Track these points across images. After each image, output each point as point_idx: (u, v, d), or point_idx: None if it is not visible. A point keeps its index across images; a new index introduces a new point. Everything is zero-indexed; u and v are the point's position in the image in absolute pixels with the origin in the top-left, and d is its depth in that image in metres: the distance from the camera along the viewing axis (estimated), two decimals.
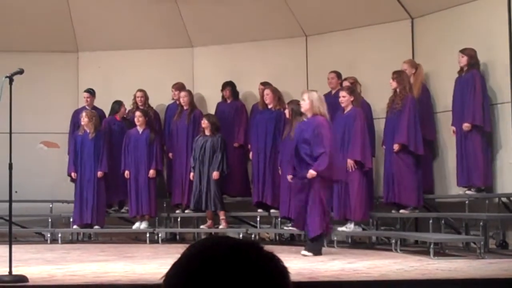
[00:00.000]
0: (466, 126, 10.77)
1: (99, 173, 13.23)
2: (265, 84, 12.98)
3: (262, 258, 1.58)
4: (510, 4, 10.83)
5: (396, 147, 11.21)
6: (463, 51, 10.92)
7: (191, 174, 12.92)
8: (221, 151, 12.70)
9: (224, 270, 1.53)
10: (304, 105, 10.08)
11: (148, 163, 13.19)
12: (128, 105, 13.86)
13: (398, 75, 11.33)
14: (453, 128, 11.11)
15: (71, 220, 13.35)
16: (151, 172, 13.17)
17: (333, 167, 9.99)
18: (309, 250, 10.09)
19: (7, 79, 7.57)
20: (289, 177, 10.63)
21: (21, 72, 7.68)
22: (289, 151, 11.97)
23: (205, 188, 12.70)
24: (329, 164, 9.83)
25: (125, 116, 13.79)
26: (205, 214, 12.99)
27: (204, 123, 12.78)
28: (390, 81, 11.33)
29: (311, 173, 9.80)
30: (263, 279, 1.55)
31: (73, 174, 13.35)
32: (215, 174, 12.66)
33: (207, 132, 12.78)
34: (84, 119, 13.22)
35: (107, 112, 13.98)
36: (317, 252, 10.08)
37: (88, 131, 13.24)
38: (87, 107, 13.75)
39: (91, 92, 13.83)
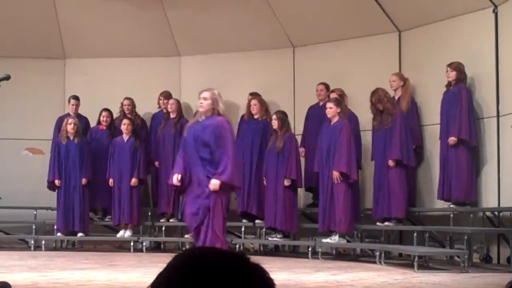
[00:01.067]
0: (452, 140, 10.80)
1: (83, 180, 13.19)
2: (253, 95, 12.98)
3: (248, 269, 1.57)
4: (497, 19, 10.89)
5: (391, 163, 11.21)
6: (450, 65, 10.95)
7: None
8: None
9: (210, 281, 1.52)
10: (206, 105, 8.94)
11: (131, 171, 13.16)
12: (114, 113, 13.83)
13: (376, 95, 11.31)
14: (440, 141, 11.14)
15: (55, 227, 13.29)
16: (133, 181, 13.15)
17: (235, 174, 8.95)
18: None
19: None
20: (176, 177, 8.98)
21: (7, 78, 7.64)
22: (274, 162, 12.01)
23: None
24: (232, 171, 8.78)
25: (104, 123, 13.70)
26: None
27: None
28: (373, 105, 11.34)
29: (214, 183, 8.67)
30: None
31: (57, 182, 13.28)
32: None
33: None
34: (72, 126, 13.15)
35: (91, 119, 13.95)
36: None
37: (72, 138, 13.19)
38: (71, 113, 13.72)
39: (78, 99, 13.80)
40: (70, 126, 13.17)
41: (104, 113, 13.69)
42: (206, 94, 9.00)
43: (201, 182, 8.79)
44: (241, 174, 9.97)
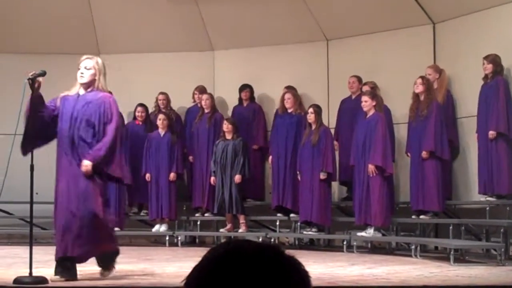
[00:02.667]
0: (491, 134, 10.70)
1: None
2: (289, 88, 12.96)
3: (284, 262, 1.58)
4: None
5: (424, 154, 11.15)
6: (487, 58, 10.85)
7: (212, 178, 12.91)
8: (243, 155, 12.68)
9: (245, 273, 1.52)
10: (88, 75, 7.70)
11: (169, 166, 13.18)
12: (150, 108, 13.88)
13: (427, 81, 11.29)
14: (477, 135, 11.05)
15: None
16: (172, 176, 13.16)
17: (114, 160, 7.61)
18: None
19: (28, 81, 7.58)
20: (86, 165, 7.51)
21: (43, 74, 7.67)
22: (310, 155, 11.99)
23: (228, 192, 12.68)
24: (106, 153, 7.50)
25: (140, 119, 13.75)
26: (224, 218, 12.98)
27: (227, 126, 12.76)
28: (417, 85, 11.25)
29: (86, 165, 7.45)
30: (284, 283, 1.55)
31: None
32: (237, 178, 12.64)
33: (228, 136, 12.77)
34: None
35: (125, 115, 14.00)
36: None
37: None
38: None
39: (111, 94, 13.84)
40: None
41: (139, 108, 13.74)
42: (88, 63, 7.71)
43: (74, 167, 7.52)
44: (121, 164, 7.87)
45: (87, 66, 7.66)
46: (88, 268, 7.87)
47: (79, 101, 7.63)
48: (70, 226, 7.40)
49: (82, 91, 7.69)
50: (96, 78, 7.64)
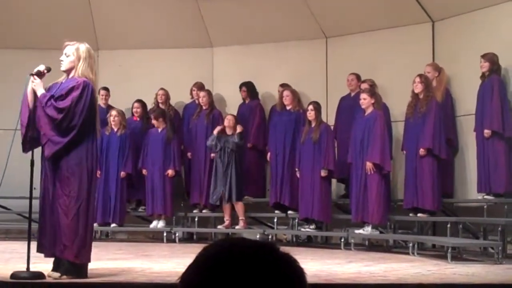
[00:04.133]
0: (486, 132, 10.72)
1: (122, 174, 13.20)
2: (284, 86, 12.97)
3: (278, 259, 1.58)
4: None
5: (422, 152, 11.14)
6: (484, 56, 10.87)
7: (212, 155, 12.90)
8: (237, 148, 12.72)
9: (240, 271, 1.53)
10: (66, 62, 7.48)
11: (164, 162, 13.16)
12: (150, 104, 13.89)
13: (425, 79, 11.28)
14: (475, 133, 11.06)
15: None
16: (170, 172, 13.14)
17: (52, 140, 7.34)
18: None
19: (31, 77, 7.56)
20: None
21: (48, 70, 7.62)
22: (310, 152, 11.98)
23: (228, 184, 12.65)
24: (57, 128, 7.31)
25: (136, 114, 13.75)
26: (223, 214, 12.95)
27: (231, 120, 12.71)
28: (416, 84, 11.24)
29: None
30: (279, 280, 1.55)
31: (98, 173, 13.30)
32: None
33: (228, 132, 12.73)
34: (115, 118, 13.16)
35: (123, 110, 14.01)
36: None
37: (115, 129, 13.21)
38: (102, 105, 13.77)
39: (108, 90, 13.87)
40: (111, 118, 13.15)
41: (135, 104, 13.75)
42: (68, 49, 7.46)
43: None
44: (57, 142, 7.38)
45: (67, 53, 7.46)
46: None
47: (59, 89, 7.43)
48: None
49: (65, 79, 7.51)
50: (75, 64, 7.39)
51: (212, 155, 12.94)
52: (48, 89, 7.48)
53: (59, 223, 7.34)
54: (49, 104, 7.29)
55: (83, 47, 7.48)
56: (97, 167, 7.66)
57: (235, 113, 13.48)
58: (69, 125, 7.33)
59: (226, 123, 12.78)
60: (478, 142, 10.99)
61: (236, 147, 12.63)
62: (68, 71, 7.47)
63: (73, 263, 7.36)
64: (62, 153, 7.34)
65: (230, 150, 12.65)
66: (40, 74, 7.51)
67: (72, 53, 7.42)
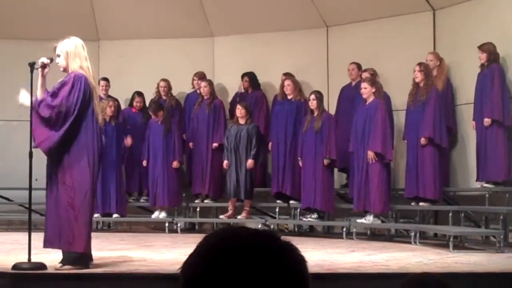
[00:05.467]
0: (486, 121, 10.71)
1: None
2: (287, 75, 12.95)
3: (279, 248, 1.57)
4: None
5: (423, 141, 11.13)
6: (481, 47, 10.84)
7: (225, 162, 12.83)
8: (257, 140, 12.64)
9: (241, 260, 1.52)
10: (60, 63, 7.60)
11: (165, 153, 13.15)
12: (151, 94, 13.88)
13: (425, 68, 11.26)
14: (474, 122, 11.05)
15: None
16: (175, 163, 13.12)
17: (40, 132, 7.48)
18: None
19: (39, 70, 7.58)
20: None
21: (50, 60, 7.64)
22: (312, 142, 11.97)
23: (242, 177, 12.63)
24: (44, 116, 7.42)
25: (137, 108, 13.76)
26: (224, 204, 12.96)
27: (240, 111, 12.70)
28: (416, 73, 11.23)
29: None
30: (280, 269, 1.55)
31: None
32: (250, 163, 12.59)
33: (241, 121, 12.71)
34: (112, 109, 13.16)
35: (125, 100, 14.02)
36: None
37: (109, 120, 13.21)
38: (102, 96, 13.77)
39: (108, 81, 13.86)
40: (110, 109, 13.14)
41: (137, 98, 13.75)
42: (58, 50, 7.58)
43: None
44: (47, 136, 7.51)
45: (58, 53, 7.56)
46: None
47: (57, 85, 7.59)
48: None
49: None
50: (67, 61, 7.47)
51: (225, 162, 12.86)
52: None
53: (65, 216, 7.34)
54: (42, 105, 7.39)
55: (67, 42, 7.54)
56: (100, 155, 7.62)
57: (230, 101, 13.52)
58: (63, 119, 7.39)
59: (237, 113, 12.74)
60: (477, 131, 10.98)
61: (251, 136, 12.57)
62: (64, 69, 7.53)
63: (80, 254, 7.35)
64: (61, 147, 7.38)
65: (245, 140, 12.58)
66: (44, 67, 7.52)
67: (61, 51, 7.49)
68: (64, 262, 7.36)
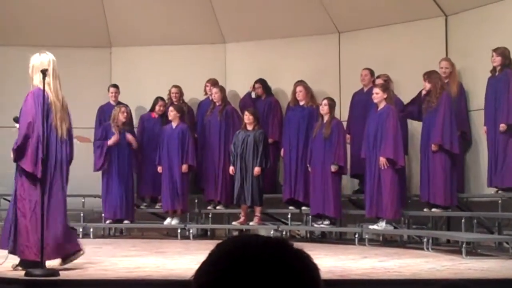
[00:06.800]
0: (502, 126, 10.66)
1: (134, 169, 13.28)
2: (299, 82, 12.93)
3: (292, 255, 1.57)
4: None
5: (433, 147, 11.11)
6: (496, 51, 10.82)
7: (231, 168, 12.86)
8: (263, 146, 12.65)
9: (253, 268, 1.52)
10: (30, 75, 7.92)
11: (181, 158, 13.18)
12: None
13: (428, 75, 11.25)
14: (485, 128, 11.02)
15: (103, 215, 13.38)
16: (184, 167, 13.15)
17: (27, 153, 7.72)
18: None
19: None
20: None
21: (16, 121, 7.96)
22: (321, 148, 11.96)
23: (249, 183, 12.64)
24: (21, 144, 7.70)
25: (159, 113, 13.78)
26: (236, 211, 12.97)
27: (248, 118, 12.71)
28: (424, 83, 11.25)
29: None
30: (293, 277, 1.55)
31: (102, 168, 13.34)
32: (257, 170, 12.60)
33: (249, 127, 12.72)
34: (125, 116, 13.20)
35: (132, 108, 14.01)
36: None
37: (123, 127, 13.23)
38: (112, 102, 13.82)
39: (117, 88, 13.90)
40: (122, 115, 13.19)
41: (160, 102, 13.76)
42: (30, 63, 7.92)
43: None
44: (33, 159, 7.75)
45: (29, 66, 7.91)
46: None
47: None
48: None
49: None
50: (32, 75, 7.82)
51: (231, 168, 12.88)
52: None
53: (19, 224, 7.64)
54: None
55: (33, 57, 7.88)
56: (58, 167, 7.86)
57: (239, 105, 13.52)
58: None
59: (245, 119, 12.75)
60: (488, 136, 10.95)
61: (258, 142, 12.57)
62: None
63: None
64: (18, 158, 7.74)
65: (252, 146, 12.59)
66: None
67: (30, 65, 7.86)
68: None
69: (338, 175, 12.05)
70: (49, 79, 7.73)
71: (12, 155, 7.72)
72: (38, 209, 7.51)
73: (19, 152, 7.65)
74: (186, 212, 13.40)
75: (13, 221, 7.66)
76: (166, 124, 13.52)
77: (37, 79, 7.70)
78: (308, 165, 12.22)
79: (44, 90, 7.58)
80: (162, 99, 13.80)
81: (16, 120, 7.97)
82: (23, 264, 7.56)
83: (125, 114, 13.24)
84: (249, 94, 13.75)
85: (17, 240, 7.59)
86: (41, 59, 7.80)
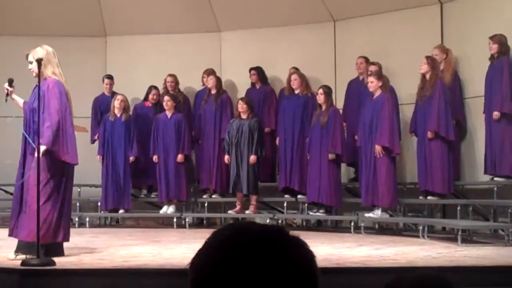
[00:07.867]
0: (495, 114, 10.68)
1: (131, 158, 13.21)
2: (294, 69, 12.92)
3: (288, 243, 1.57)
4: None
5: (429, 135, 11.10)
6: (493, 38, 10.81)
7: (226, 157, 12.85)
8: (258, 135, 12.65)
9: (250, 256, 1.52)
10: (33, 70, 7.99)
11: (176, 147, 13.17)
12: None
13: (432, 61, 11.22)
14: (484, 115, 11.02)
15: (99, 204, 13.36)
16: (179, 157, 13.14)
17: (61, 146, 7.97)
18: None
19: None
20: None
21: (10, 82, 8.08)
22: (318, 136, 11.96)
23: (244, 172, 12.64)
24: (53, 140, 7.86)
25: (153, 101, 13.75)
26: (232, 199, 12.98)
27: (242, 106, 12.71)
28: (422, 65, 11.18)
29: (42, 150, 7.71)
30: (289, 264, 1.55)
31: (98, 157, 13.31)
32: (252, 158, 12.60)
33: (243, 116, 12.72)
34: (120, 104, 13.17)
35: (130, 96, 13.97)
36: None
37: (119, 115, 13.21)
38: (106, 93, 13.80)
39: (112, 78, 13.87)
40: (117, 102, 13.15)
41: (154, 91, 13.73)
42: (30, 58, 7.99)
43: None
44: (73, 147, 8.22)
45: (30, 61, 7.97)
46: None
47: (33, 93, 8.04)
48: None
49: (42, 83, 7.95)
50: (39, 68, 7.81)
51: (226, 157, 12.88)
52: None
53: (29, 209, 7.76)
54: (46, 134, 7.81)
55: (40, 50, 7.97)
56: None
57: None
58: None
59: (239, 107, 12.75)
60: (486, 124, 10.95)
61: (253, 131, 12.57)
62: (38, 76, 7.88)
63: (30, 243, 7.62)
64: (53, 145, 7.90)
65: (247, 134, 12.59)
66: (11, 93, 8.07)
67: (33, 58, 7.93)
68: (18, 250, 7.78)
69: (335, 163, 12.05)
70: (58, 69, 8.01)
71: (45, 144, 7.73)
72: (62, 192, 8.01)
73: (54, 141, 7.86)
74: (187, 201, 13.38)
75: (31, 210, 7.67)
76: (159, 113, 13.50)
77: (48, 71, 7.89)
78: (307, 154, 12.21)
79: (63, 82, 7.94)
80: (155, 88, 13.77)
81: (11, 82, 8.06)
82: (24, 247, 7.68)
83: (119, 101, 13.18)
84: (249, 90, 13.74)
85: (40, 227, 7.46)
86: (46, 50, 7.99)
